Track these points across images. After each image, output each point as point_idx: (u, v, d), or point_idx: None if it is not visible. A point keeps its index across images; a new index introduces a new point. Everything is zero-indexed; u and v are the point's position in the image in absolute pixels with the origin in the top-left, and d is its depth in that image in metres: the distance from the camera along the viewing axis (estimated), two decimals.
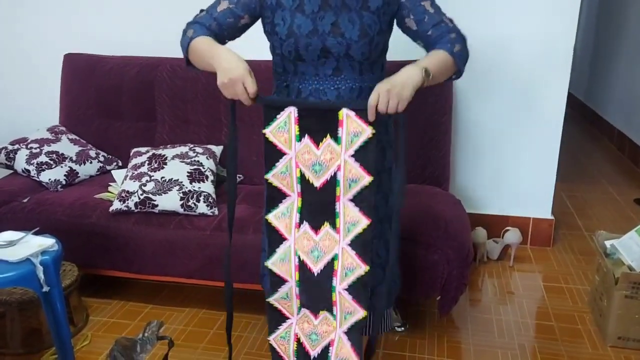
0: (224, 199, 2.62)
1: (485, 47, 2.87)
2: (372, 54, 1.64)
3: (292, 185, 1.55)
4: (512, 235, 3.00)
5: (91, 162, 2.94)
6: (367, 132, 1.46)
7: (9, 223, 2.41)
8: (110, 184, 2.77)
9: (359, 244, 1.53)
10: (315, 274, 1.58)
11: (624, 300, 2.30)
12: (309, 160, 1.52)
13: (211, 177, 2.63)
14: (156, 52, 3.08)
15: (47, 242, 2.00)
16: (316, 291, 1.59)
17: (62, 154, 2.87)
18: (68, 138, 2.99)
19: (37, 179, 2.79)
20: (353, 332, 1.58)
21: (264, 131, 1.53)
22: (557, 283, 2.87)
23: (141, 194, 2.51)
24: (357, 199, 1.51)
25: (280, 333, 1.64)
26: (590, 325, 2.51)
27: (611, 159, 4.92)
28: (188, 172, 2.58)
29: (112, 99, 3.07)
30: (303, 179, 1.54)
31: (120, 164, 3.04)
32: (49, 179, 2.77)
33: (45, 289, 1.92)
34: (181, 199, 2.50)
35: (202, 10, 1.70)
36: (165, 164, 2.62)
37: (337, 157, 1.50)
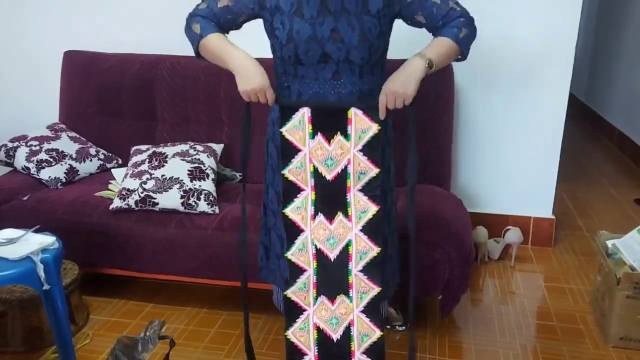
0: (225, 197, 2.64)
1: (487, 47, 2.86)
2: (372, 58, 1.65)
3: (306, 179, 1.69)
4: (513, 235, 2.99)
5: (91, 160, 2.93)
6: (374, 128, 1.63)
7: (10, 221, 2.40)
8: (111, 182, 2.76)
9: (370, 229, 1.69)
10: (332, 260, 1.71)
11: (625, 301, 2.29)
12: (321, 156, 1.66)
13: (212, 176, 2.62)
14: (156, 50, 3.07)
15: (48, 239, 1.99)
16: (333, 276, 1.72)
17: (62, 152, 2.86)
18: (68, 136, 2.98)
19: (37, 177, 2.78)
20: (369, 309, 1.72)
21: (281, 130, 1.65)
22: (558, 283, 2.86)
23: (142, 192, 2.50)
24: (365, 189, 1.67)
25: (299, 325, 1.75)
26: (591, 326, 2.50)
27: (611, 158, 4.91)
28: (188, 170, 2.57)
29: (112, 97, 3.06)
30: (316, 173, 1.68)
31: (120, 162, 3.02)
32: (49, 177, 2.76)
33: (46, 287, 1.91)
34: (182, 197, 2.49)
35: (203, 0, 1.71)
36: (166, 162, 2.61)
37: (347, 152, 1.65)
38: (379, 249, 1.70)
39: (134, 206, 2.50)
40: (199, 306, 2.63)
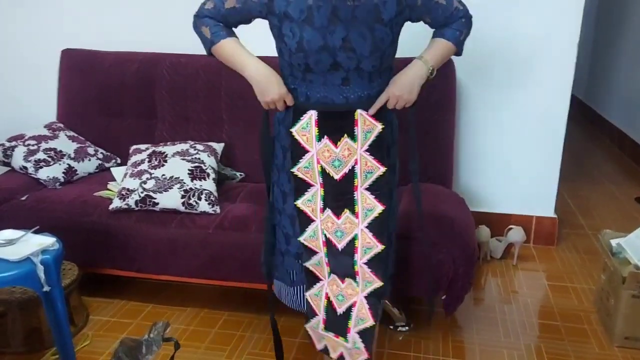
0: (226, 197, 2.62)
1: (490, 47, 2.85)
2: (383, 65, 1.66)
3: (315, 177, 1.73)
4: (516, 234, 2.98)
5: (90, 160, 2.90)
6: (378, 127, 1.68)
7: (9, 221, 2.37)
8: (110, 182, 2.73)
9: (375, 227, 1.74)
10: (340, 249, 1.77)
11: (631, 300, 2.28)
12: (329, 157, 1.70)
13: (212, 175, 2.59)
14: (156, 48, 3.04)
15: (48, 240, 1.96)
16: (341, 262, 1.79)
17: (60, 151, 2.83)
18: (66, 135, 2.95)
19: (35, 177, 2.74)
20: (371, 298, 1.78)
21: (291, 129, 1.70)
22: (561, 282, 2.84)
23: (141, 192, 2.47)
24: (372, 188, 1.72)
25: (314, 291, 1.85)
26: (596, 325, 2.48)
27: (612, 158, 4.91)
28: (189, 170, 2.55)
29: (111, 96, 3.03)
30: (324, 173, 1.72)
31: (119, 161, 3.00)
32: (47, 177, 2.73)
33: (46, 288, 1.89)
34: (182, 197, 2.46)
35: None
36: (166, 161, 2.59)
37: (354, 153, 1.69)
38: (383, 246, 1.74)
39: (134, 206, 2.47)
40: (200, 306, 2.61)
